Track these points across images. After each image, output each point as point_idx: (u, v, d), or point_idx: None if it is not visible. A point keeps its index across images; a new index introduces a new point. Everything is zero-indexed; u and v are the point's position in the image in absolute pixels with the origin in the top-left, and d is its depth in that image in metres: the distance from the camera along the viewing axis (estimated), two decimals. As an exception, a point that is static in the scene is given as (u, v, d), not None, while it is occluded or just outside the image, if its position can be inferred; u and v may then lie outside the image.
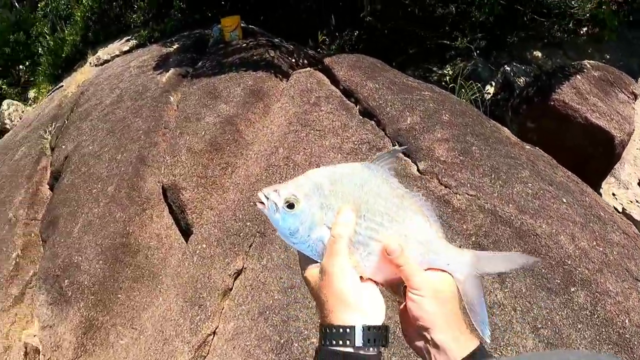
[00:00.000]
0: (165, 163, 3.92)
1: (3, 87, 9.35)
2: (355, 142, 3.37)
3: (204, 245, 3.23)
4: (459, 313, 0.74)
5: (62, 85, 6.94)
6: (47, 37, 8.78)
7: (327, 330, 0.68)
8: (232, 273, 2.93)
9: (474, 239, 2.48)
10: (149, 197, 3.82)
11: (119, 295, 3.32)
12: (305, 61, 4.78)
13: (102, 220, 3.75)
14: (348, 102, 3.77)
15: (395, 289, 0.77)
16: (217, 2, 6.56)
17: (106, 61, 6.63)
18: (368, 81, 3.87)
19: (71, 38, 8.14)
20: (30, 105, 8.30)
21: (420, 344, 0.73)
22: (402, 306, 0.77)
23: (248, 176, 3.49)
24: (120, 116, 4.68)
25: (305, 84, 4.01)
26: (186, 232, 3.55)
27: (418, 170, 2.97)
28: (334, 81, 4.06)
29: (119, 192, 3.89)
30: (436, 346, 0.71)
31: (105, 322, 3.22)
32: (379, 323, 0.69)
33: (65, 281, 3.48)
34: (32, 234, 4.32)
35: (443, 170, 2.88)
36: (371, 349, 0.67)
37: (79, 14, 8.28)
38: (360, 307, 0.69)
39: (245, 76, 4.33)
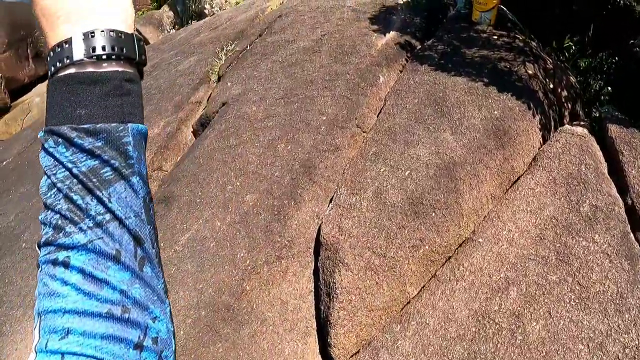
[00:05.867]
0: (337, 196, 2.75)
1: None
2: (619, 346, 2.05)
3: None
4: None
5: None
6: None
7: (48, 57, 0.50)
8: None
9: None
10: (293, 241, 2.70)
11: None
12: (566, 93, 3.41)
13: (219, 249, 2.70)
14: (634, 242, 2.38)
15: None
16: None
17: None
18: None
19: None
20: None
21: None
22: None
23: (446, 313, 2.33)
24: (307, 77, 3.66)
25: (577, 166, 2.69)
26: (325, 325, 2.44)
27: None
28: (620, 179, 2.64)
29: (257, 213, 2.80)
30: None
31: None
32: (114, 27, 0.49)
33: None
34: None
35: None
36: (104, 64, 0.49)
37: None
38: (77, 13, 0.49)
39: (490, 96, 3.11)
